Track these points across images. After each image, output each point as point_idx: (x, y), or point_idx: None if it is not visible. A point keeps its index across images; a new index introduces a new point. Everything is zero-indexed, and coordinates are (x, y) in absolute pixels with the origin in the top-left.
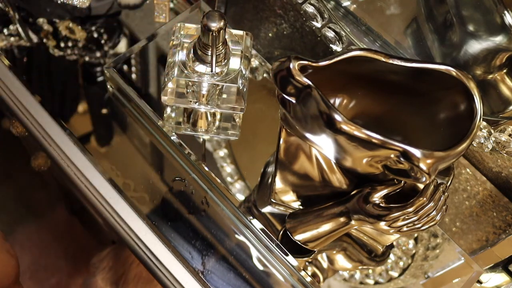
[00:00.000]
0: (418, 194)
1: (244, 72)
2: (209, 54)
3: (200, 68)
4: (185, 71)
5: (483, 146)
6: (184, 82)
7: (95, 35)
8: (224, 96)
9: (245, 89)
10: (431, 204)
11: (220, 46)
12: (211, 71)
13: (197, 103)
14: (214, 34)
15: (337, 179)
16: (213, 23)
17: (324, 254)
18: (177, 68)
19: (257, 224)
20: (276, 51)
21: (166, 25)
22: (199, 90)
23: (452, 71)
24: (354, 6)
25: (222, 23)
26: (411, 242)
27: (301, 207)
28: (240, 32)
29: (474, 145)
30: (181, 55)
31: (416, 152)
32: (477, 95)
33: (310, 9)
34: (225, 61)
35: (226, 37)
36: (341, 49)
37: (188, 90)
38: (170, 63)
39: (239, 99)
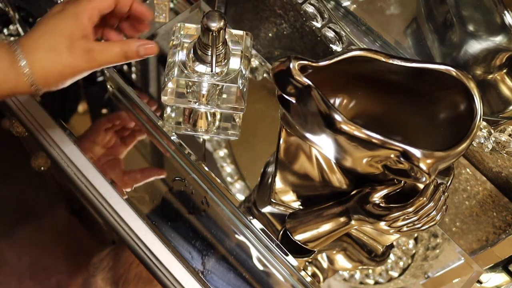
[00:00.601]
0: (418, 194)
1: (244, 72)
2: (209, 54)
3: (200, 68)
4: (185, 71)
5: (483, 146)
6: (184, 82)
7: None
8: (224, 96)
9: (245, 89)
10: (431, 204)
11: (220, 46)
12: (211, 71)
13: (197, 103)
14: (214, 34)
15: (337, 179)
16: (213, 23)
17: (324, 254)
18: (177, 68)
19: (257, 224)
20: (276, 51)
21: (166, 25)
22: (199, 90)
23: (452, 71)
24: (354, 6)
25: (222, 23)
26: (411, 242)
27: (301, 207)
28: (240, 32)
29: (474, 145)
30: (181, 55)
31: (416, 152)
32: (477, 95)
33: (310, 9)
34: (225, 61)
35: (226, 37)
36: (341, 49)
37: (188, 90)
38: (170, 63)
39: (239, 99)
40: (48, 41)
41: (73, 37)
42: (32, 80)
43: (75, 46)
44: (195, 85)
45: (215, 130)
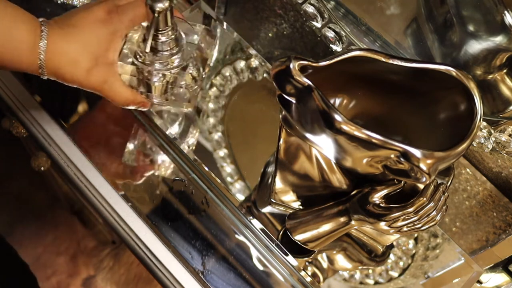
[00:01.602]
0: (418, 194)
1: (196, 68)
2: (160, 40)
3: (151, 57)
4: (136, 61)
5: (483, 146)
6: (132, 69)
7: None
8: (176, 90)
9: (196, 87)
10: (431, 204)
11: (170, 32)
12: (144, 49)
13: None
14: (157, 15)
15: (337, 179)
16: (158, 3)
17: (324, 254)
18: (128, 56)
19: (257, 224)
20: (276, 51)
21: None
22: (150, 79)
23: (452, 71)
24: (354, 6)
25: (166, 4)
26: (411, 242)
27: (301, 207)
28: (199, 26)
29: (474, 145)
30: (133, 43)
31: (416, 152)
32: (477, 95)
33: (310, 9)
34: (176, 48)
35: (184, 30)
36: (341, 49)
37: (139, 78)
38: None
39: (187, 94)
40: (75, 51)
41: (99, 60)
42: (42, 65)
43: (95, 72)
44: (146, 73)
45: (169, 99)
